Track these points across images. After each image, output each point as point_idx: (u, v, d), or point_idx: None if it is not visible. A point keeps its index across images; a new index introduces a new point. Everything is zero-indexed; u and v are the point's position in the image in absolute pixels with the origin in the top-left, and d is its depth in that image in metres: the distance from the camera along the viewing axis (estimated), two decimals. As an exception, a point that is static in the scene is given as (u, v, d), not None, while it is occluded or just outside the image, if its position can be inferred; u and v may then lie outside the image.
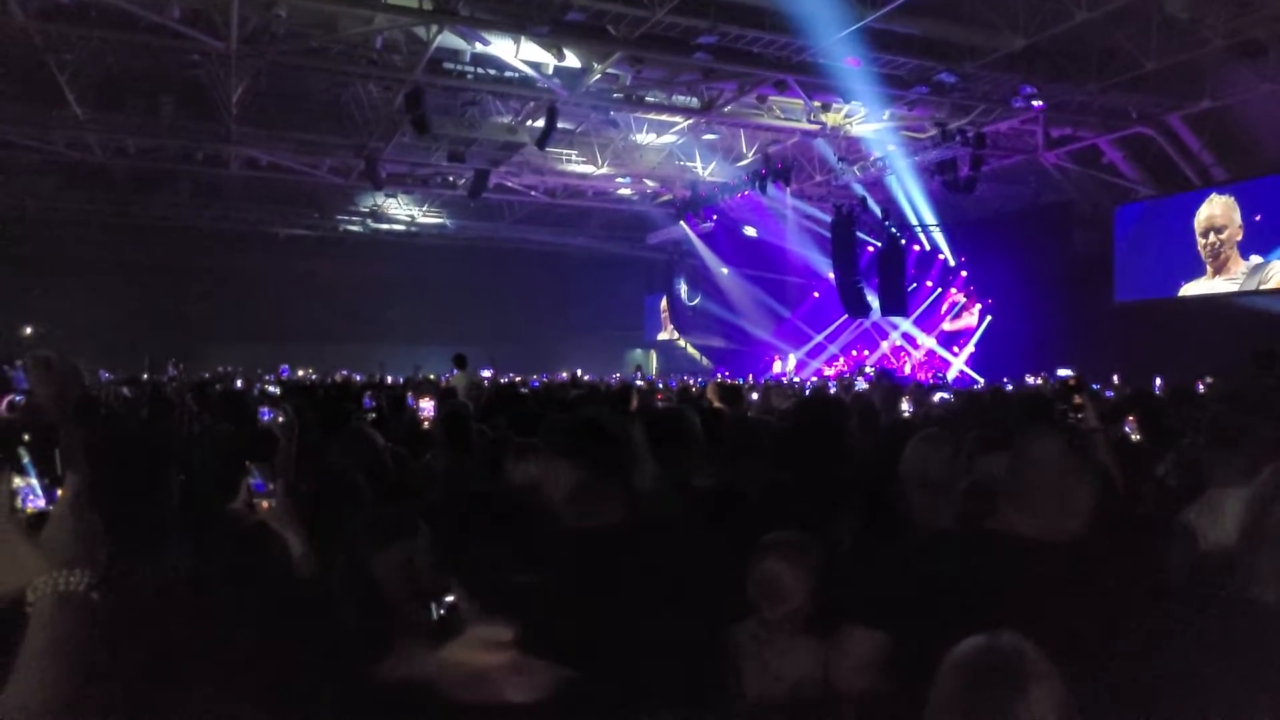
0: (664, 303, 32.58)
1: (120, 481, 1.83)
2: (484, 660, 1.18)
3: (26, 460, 1.13)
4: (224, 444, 3.53)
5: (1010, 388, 10.60)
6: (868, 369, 16.78)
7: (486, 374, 12.88)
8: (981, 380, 16.16)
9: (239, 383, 12.19)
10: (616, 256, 32.34)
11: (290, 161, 19.22)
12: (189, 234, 26.75)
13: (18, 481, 1.12)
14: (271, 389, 9.05)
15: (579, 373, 19.97)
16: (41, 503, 1.12)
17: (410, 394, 6.39)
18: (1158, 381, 9.66)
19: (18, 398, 3.36)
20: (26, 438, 1.13)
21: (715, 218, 22.29)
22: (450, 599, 1.29)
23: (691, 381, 18.49)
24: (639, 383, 10.88)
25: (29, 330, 25.32)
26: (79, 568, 1.07)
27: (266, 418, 3.59)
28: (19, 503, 1.12)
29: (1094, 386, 9.33)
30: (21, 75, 13.25)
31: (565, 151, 19.51)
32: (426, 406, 4.64)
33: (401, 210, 27.88)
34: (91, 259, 26.24)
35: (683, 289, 30.69)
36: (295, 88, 15.65)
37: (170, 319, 29.47)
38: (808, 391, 10.61)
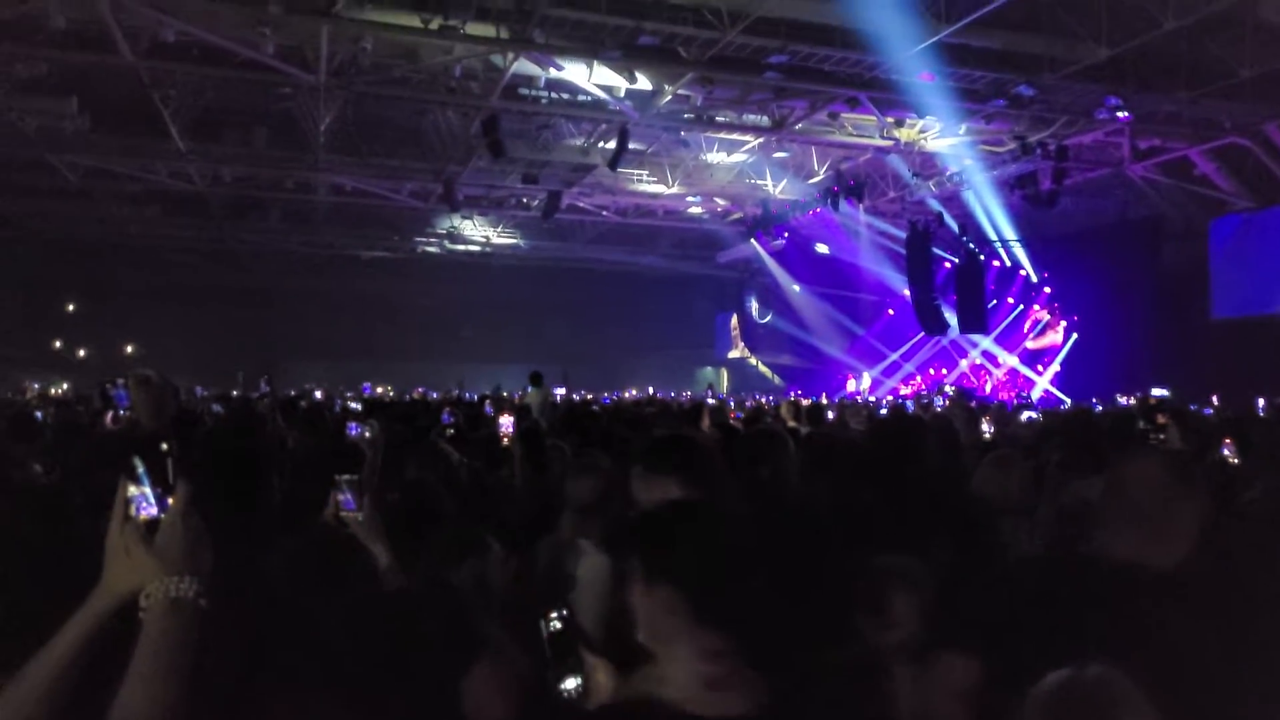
0: (735, 321, 32.71)
1: (220, 492, 1.87)
2: (708, 670, 1.14)
3: (141, 469, 1.16)
4: (313, 458, 3.49)
5: (1100, 408, 10.50)
6: (946, 388, 16.85)
7: (559, 392, 13.37)
8: (1068, 400, 15.96)
9: (319, 395, 12.86)
10: (687, 275, 32.60)
11: (373, 186, 19.75)
12: (279, 258, 27.92)
13: (132, 490, 1.15)
14: (354, 405, 9.21)
15: (651, 391, 19.97)
16: (154, 510, 1.14)
17: (489, 409, 6.51)
18: (1260, 402, 9.56)
19: (121, 411, 3.55)
20: (144, 448, 1.15)
21: (786, 235, 22.40)
22: (563, 613, 1.32)
23: (764, 400, 18.42)
24: (710, 400, 10.84)
25: (130, 349, 27.67)
26: (189, 575, 1.11)
27: (354, 433, 3.71)
28: (133, 510, 1.14)
29: (1191, 407, 9.38)
30: (127, 109, 14.07)
31: (636, 172, 19.66)
32: (505, 423, 4.58)
33: (477, 231, 28.31)
34: (189, 283, 28.05)
35: (753, 307, 30.80)
36: (378, 116, 16.22)
37: (261, 338, 30.86)
38: (884, 411, 10.49)
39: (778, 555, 1.21)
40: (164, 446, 1.15)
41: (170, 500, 1.18)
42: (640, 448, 2.12)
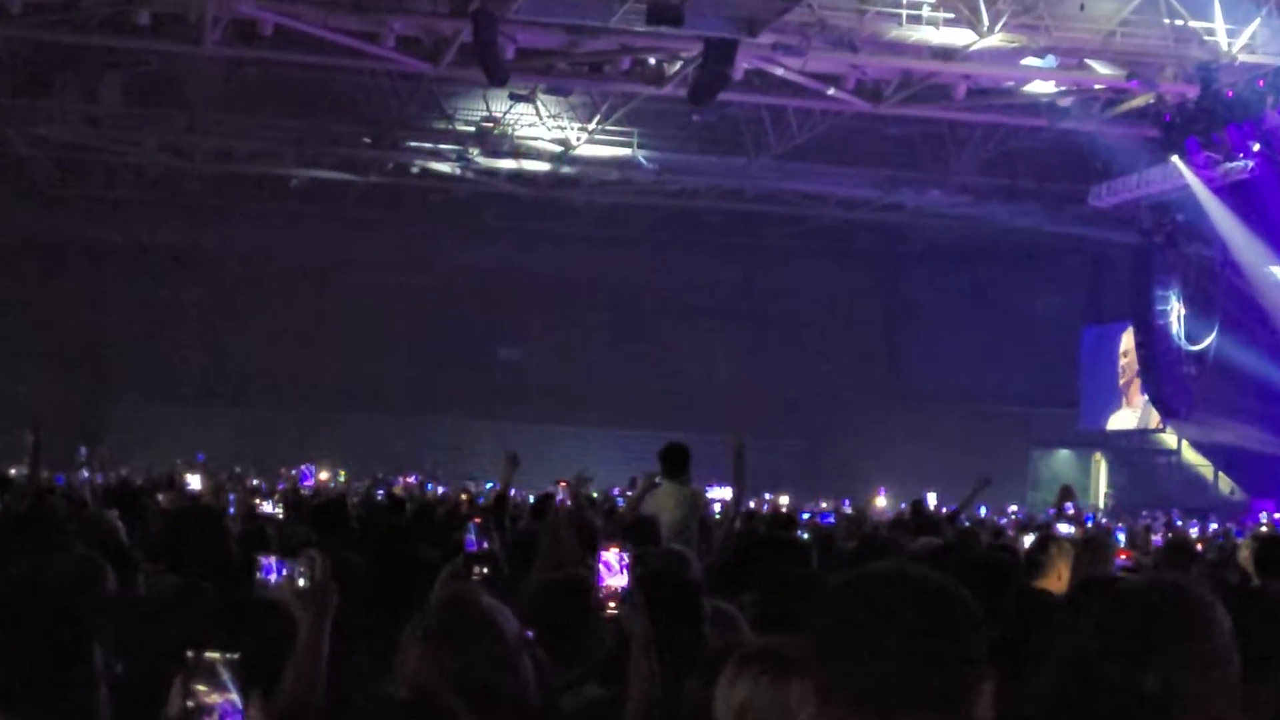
0: (1126, 342, 35.56)
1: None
2: None
3: None
4: (182, 629, 4.29)
5: None
6: None
7: (718, 494, 13.62)
8: None
9: (195, 485, 14.37)
10: (1009, 236, 33.84)
11: (314, 27, 22.25)
12: (103, 208, 36.13)
13: None
14: (268, 509, 10.88)
15: (930, 500, 19.81)
16: None
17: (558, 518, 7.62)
18: None
19: None
20: None
21: (1258, 148, 23.56)
22: None
23: (1198, 531, 18.70)
24: (1066, 529, 11.74)
25: None
26: None
27: (272, 577, 4.38)
28: None
29: None
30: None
31: (907, 7, 21.58)
32: (611, 565, 4.99)
33: (542, 132, 29.99)
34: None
35: (1174, 314, 32.18)
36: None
37: (82, 363, 35.64)
38: None
39: None
40: None
41: None
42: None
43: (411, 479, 24.06)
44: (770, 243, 37.43)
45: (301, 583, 4.25)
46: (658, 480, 11.80)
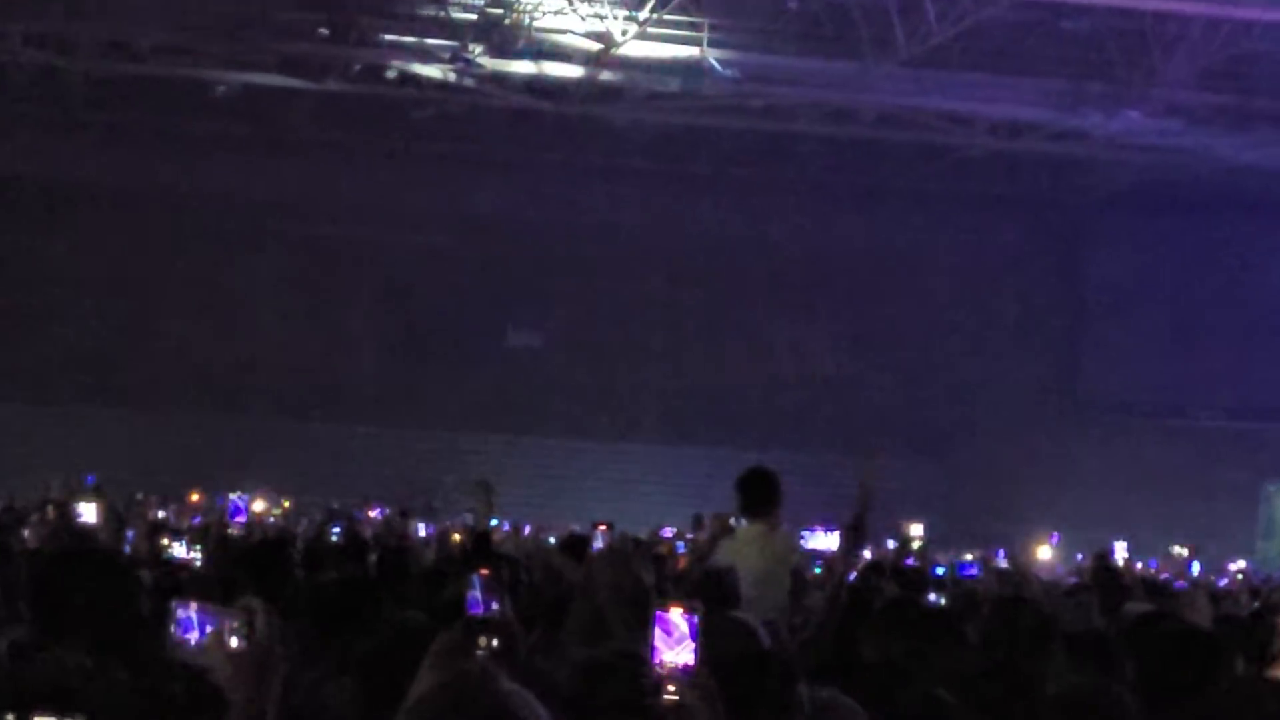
0: None
1: None
2: None
3: None
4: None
5: None
6: None
7: (819, 542, 13.94)
8: None
9: (84, 514, 14.39)
10: (1238, 178, 33.91)
11: None
12: None
13: None
14: (179, 552, 11.40)
15: (1117, 552, 19.66)
16: None
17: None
18: None
19: None
20: None
21: None
22: None
23: None
24: None
25: None
26: None
27: (191, 635, 4.29)
28: None
29: None
30: None
31: None
32: (675, 632, 5.24)
33: (569, 23, 29.80)
34: None
35: None
36: None
37: None
38: None
39: None
40: None
41: None
42: None
43: (375, 512, 24.15)
44: (895, 185, 37.62)
45: (235, 643, 4.15)
46: (734, 521, 11.87)
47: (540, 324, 39.67)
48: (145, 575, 9.47)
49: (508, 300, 38.95)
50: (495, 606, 6.10)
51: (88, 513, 14.20)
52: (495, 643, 5.67)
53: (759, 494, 11.81)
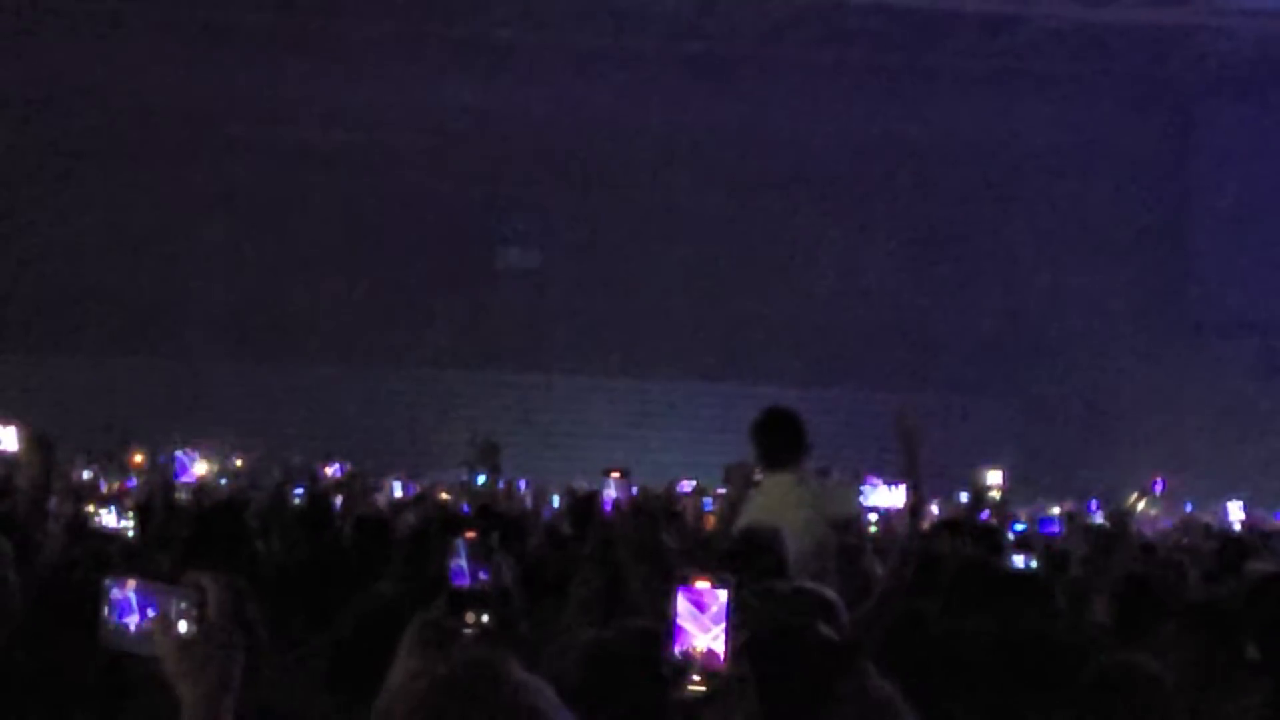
0: None
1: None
2: None
3: None
4: None
5: None
6: None
7: (880, 499, 14.41)
8: None
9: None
10: None
11: None
12: None
13: None
14: (114, 522, 11.58)
15: (1231, 511, 19.66)
16: None
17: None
18: None
19: None
20: None
21: None
22: None
23: None
24: None
25: None
26: None
27: (130, 620, 4.35)
28: None
29: None
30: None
31: None
32: (704, 605, 5.26)
33: None
34: None
35: None
36: None
37: None
38: None
39: None
40: None
41: None
42: None
43: (333, 468, 24.10)
44: (961, 66, 37.73)
45: (184, 627, 4.10)
46: (757, 476, 11.90)
47: (538, 240, 39.72)
48: (60, 548, 9.73)
49: (498, 212, 39.12)
50: (484, 576, 6.09)
51: (4, 438, 13.52)
52: (485, 619, 5.60)
53: (780, 438, 11.81)
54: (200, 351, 36.80)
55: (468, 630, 5.48)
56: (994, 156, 38.99)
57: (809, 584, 8.10)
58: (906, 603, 8.92)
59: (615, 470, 11.53)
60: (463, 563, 6.06)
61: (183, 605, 4.23)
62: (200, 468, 21.27)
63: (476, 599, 5.74)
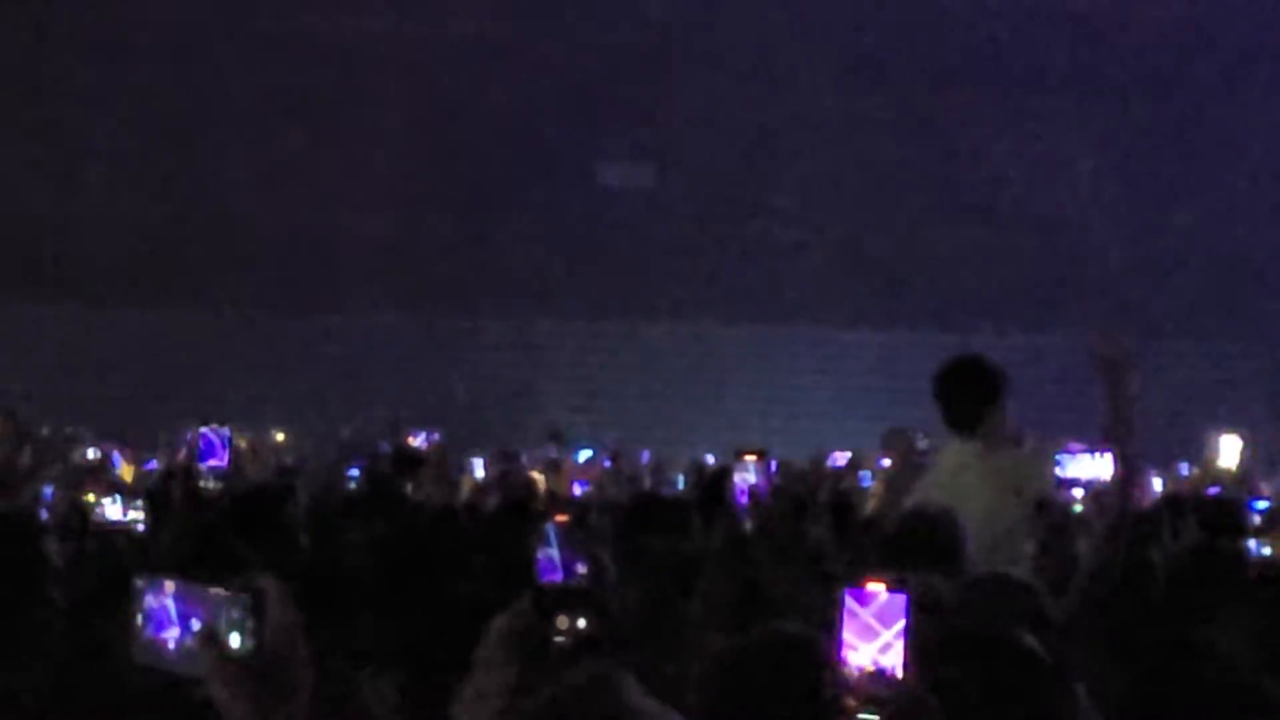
0: None
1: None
2: None
3: None
4: None
5: None
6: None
7: (1081, 469, 14.32)
8: None
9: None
10: None
11: None
12: None
13: None
14: (119, 514, 11.70)
15: None
16: None
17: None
18: None
19: None
20: None
21: None
22: None
23: None
24: None
25: None
26: None
27: (169, 635, 4.31)
28: None
29: None
30: None
31: None
32: (871, 614, 5.40)
33: None
34: None
35: None
36: None
37: None
38: None
39: None
40: None
41: None
42: None
43: (419, 439, 23.65)
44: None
45: (237, 641, 4.05)
46: (923, 444, 12.51)
47: (649, 153, 39.42)
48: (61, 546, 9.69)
49: (600, 120, 38.83)
50: (581, 570, 6.08)
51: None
52: (581, 623, 5.56)
53: (969, 395, 12.01)
54: (242, 298, 37.16)
55: (559, 637, 5.48)
56: (1227, 43, 38.71)
57: (1000, 570, 8.47)
58: (1114, 603, 8.97)
59: (750, 452, 11.53)
60: (554, 552, 6.01)
61: (235, 613, 4.19)
62: (241, 443, 21.50)
63: (570, 597, 5.75)
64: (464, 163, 37.63)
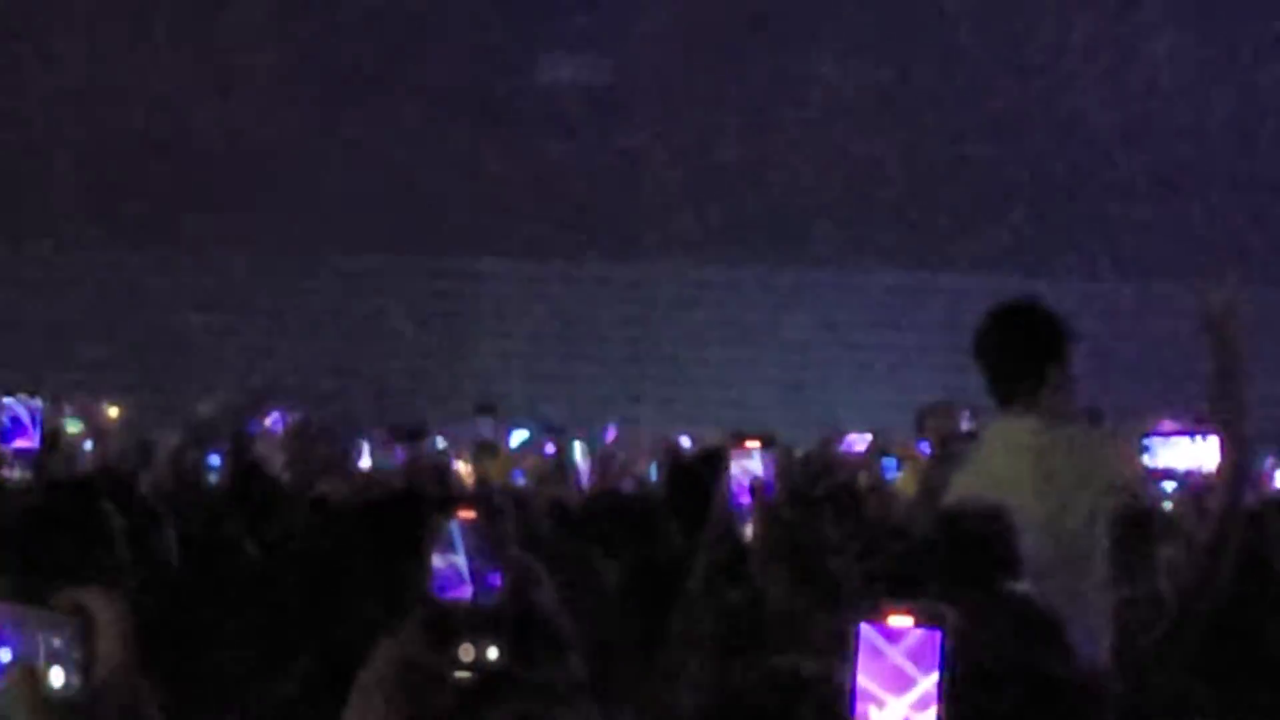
0: None
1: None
2: None
3: None
4: None
5: None
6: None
7: (1182, 454, 14.84)
8: None
9: None
10: None
11: None
12: None
13: None
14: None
15: None
16: None
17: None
18: None
19: None
20: None
21: None
22: None
23: None
24: None
25: None
26: None
27: None
28: None
29: None
30: None
31: None
32: (897, 648, 5.32)
33: None
34: None
35: None
36: None
37: None
38: None
39: None
40: None
41: None
42: None
43: (272, 419, 24.53)
44: None
45: (60, 678, 4.05)
46: (968, 425, 12.38)
47: (601, 45, 39.69)
48: None
49: (541, 5, 38.92)
50: (495, 583, 5.79)
51: None
52: (492, 653, 5.42)
53: (1021, 351, 12.13)
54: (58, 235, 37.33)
55: (460, 673, 5.33)
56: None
57: (1022, 591, 8.54)
58: (1218, 630, 8.93)
59: (754, 437, 11.35)
60: (457, 559, 5.72)
61: (56, 642, 4.14)
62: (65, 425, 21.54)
63: (478, 619, 5.60)
64: (368, 57, 37.72)
